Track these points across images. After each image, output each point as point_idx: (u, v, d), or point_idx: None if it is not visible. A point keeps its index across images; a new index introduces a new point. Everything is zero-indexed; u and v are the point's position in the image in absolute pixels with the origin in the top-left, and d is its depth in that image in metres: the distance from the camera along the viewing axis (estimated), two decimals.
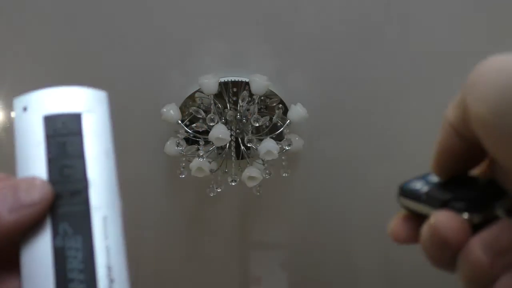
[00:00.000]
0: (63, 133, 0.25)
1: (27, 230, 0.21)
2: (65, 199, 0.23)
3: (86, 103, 0.26)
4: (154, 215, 2.31)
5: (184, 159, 1.74)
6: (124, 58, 1.62)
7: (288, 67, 1.66)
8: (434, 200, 0.27)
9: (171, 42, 1.58)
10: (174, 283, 2.70)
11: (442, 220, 0.24)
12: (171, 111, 1.64)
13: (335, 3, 1.47)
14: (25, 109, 0.25)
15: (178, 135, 1.69)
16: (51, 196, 0.22)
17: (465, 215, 0.25)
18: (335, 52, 1.62)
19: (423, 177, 0.31)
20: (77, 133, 0.25)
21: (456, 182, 0.28)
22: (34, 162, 0.24)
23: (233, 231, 2.46)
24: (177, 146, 1.68)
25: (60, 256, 0.21)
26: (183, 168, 1.73)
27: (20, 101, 0.25)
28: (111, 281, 0.21)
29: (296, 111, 1.64)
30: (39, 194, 0.21)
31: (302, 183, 2.14)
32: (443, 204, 0.26)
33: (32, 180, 0.22)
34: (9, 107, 1.74)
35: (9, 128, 1.81)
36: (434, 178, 0.31)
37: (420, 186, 0.30)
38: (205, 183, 1.83)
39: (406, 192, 0.31)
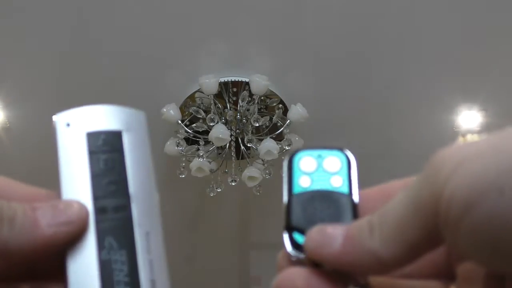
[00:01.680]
0: (105, 150, 0.25)
1: (69, 244, 0.22)
2: (109, 214, 0.23)
3: (126, 122, 0.27)
4: None
5: (184, 159, 1.74)
6: (124, 58, 1.62)
7: (288, 67, 1.66)
8: (285, 215, 0.25)
9: (171, 42, 1.58)
10: (174, 283, 2.69)
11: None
12: (171, 111, 1.64)
13: (335, 4, 1.47)
14: (68, 125, 0.26)
15: (178, 135, 1.69)
16: (86, 216, 0.23)
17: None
18: (335, 53, 1.62)
19: (321, 155, 0.26)
20: (119, 150, 0.25)
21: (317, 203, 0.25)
22: (79, 177, 0.24)
23: (233, 231, 2.47)
24: (177, 146, 1.68)
25: (106, 269, 0.22)
26: (183, 168, 1.73)
27: (62, 117, 0.26)
28: None
29: (296, 111, 1.64)
30: (76, 213, 0.23)
31: None
32: (286, 228, 0.25)
33: (70, 202, 0.23)
34: (8, 107, 1.74)
35: (9, 128, 1.81)
36: (331, 165, 0.26)
37: (307, 169, 0.26)
38: (205, 183, 1.83)
39: (290, 167, 0.27)
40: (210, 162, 1.69)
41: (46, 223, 0.22)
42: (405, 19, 1.51)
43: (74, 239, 0.22)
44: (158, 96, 1.72)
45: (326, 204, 0.25)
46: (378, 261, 0.20)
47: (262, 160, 1.70)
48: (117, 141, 0.25)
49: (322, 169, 0.26)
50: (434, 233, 0.19)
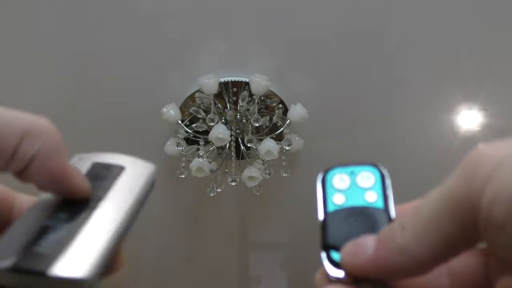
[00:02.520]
0: (100, 176, 0.28)
1: (29, 208, 0.25)
2: (67, 213, 0.25)
3: (133, 164, 0.30)
4: (154, 215, 2.31)
5: (184, 159, 1.74)
6: (124, 58, 1.62)
7: (288, 67, 1.66)
8: (322, 231, 0.25)
9: (171, 42, 1.58)
10: (174, 283, 2.70)
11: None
12: (171, 111, 1.64)
13: (335, 4, 1.47)
14: (80, 158, 0.30)
15: (178, 135, 1.69)
16: (89, 193, 0.26)
17: None
18: (335, 53, 1.62)
19: (354, 170, 0.26)
20: (113, 178, 0.28)
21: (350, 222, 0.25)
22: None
23: (233, 231, 2.46)
24: (177, 146, 1.68)
25: (43, 229, 0.24)
26: (183, 168, 1.73)
27: (79, 155, 0.30)
28: (78, 256, 0.23)
29: (296, 111, 1.64)
30: (88, 186, 0.26)
31: (302, 183, 2.14)
32: (323, 247, 0.24)
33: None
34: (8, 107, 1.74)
35: None
36: (364, 180, 0.26)
37: (340, 186, 0.26)
38: (205, 183, 1.83)
39: (323, 185, 0.26)
40: (210, 162, 1.69)
41: (70, 167, 0.26)
42: (405, 19, 1.51)
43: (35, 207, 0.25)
44: (158, 96, 1.72)
45: (362, 220, 0.25)
46: (413, 259, 0.20)
47: (262, 160, 1.70)
48: (116, 172, 0.28)
49: (355, 186, 0.26)
50: (470, 230, 0.19)
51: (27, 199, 0.27)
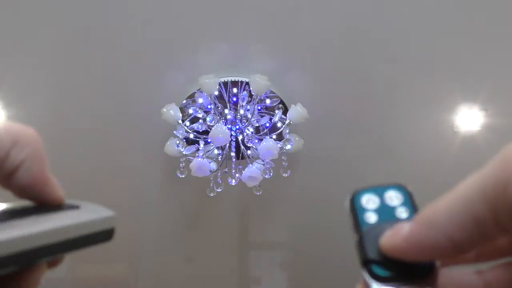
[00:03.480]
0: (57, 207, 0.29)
1: None
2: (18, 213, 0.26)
3: (88, 206, 0.29)
4: (154, 215, 2.31)
5: (184, 159, 1.74)
6: (125, 59, 1.62)
7: (288, 67, 1.66)
8: (360, 248, 0.25)
9: (171, 42, 1.58)
10: (174, 283, 2.70)
11: None
12: (171, 111, 1.64)
13: (335, 5, 1.46)
14: None
15: (178, 135, 1.69)
16: (62, 199, 0.28)
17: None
18: (335, 53, 1.62)
19: (381, 191, 0.27)
20: (64, 207, 0.28)
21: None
22: None
23: (233, 231, 2.46)
24: (177, 146, 1.68)
25: None
26: (183, 168, 1.73)
27: None
28: None
29: (296, 111, 1.64)
30: (62, 192, 0.29)
31: (302, 183, 2.14)
32: (363, 261, 0.24)
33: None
34: (8, 107, 1.74)
35: None
36: (393, 199, 0.27)
37: (370, 206, 0.27)
38: (205, 183, 1.83)
39: (353, 207, 0.27)
40: (210, 162, 1.69)
41: (50, 174, 0.27)
42: (405, 19, 1.51)
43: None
44: (158, 96, 1.72)
45: None
46: (446, 237, 0.21)
47: (262, 160, 1.70)
48: (71, 206, 0.28)
49: (385, 204, 0.27)
50: (502, 216, 0.20)
51: None
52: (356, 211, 0.27)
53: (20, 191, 0.26)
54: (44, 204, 0.27)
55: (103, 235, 0.28)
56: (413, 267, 0.23)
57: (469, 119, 1.79)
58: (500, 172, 0.20)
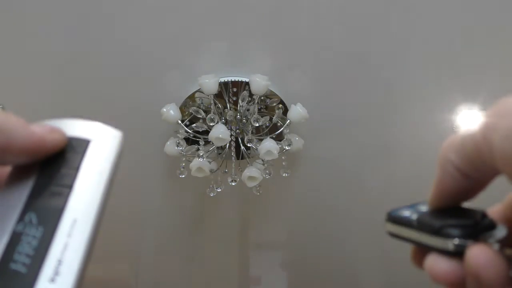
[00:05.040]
0: (69, 149, 0.27)
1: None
2: (44, 196, 0.24)
3: (98, 135, 0.28)
4: (154, 215, 2.31)
5: (184, 159, 1.74)
6: (124, 58, 1.62)
7: (288, 67, 1.66)
8: (425, 226, 0.27)
9: (171, 42, 1.58)
10: (174, 283, 2.70)
11: (479, 257, 0.24)
12: (171, 111, 1.64)
13: (335, 4, 1.46)
14: None
15: (178, 135, 1.69)
16: (66, 139, 0.27)
17: (459, 241, 0.25)
18: (335, 53, 1.62)
19: (412, 206, 0.30)
20: (81, 152, 0.27)
21: (447, 211, 0.28)
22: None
23: (233, 231, 2.46)
24: (177, 146, 1.68)
25: (15, 239, 0.23)
26: (183, 168, 1.73)
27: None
28: (56, 273, 0.22)
29: (296, 111, 1.64)
30: (61, 131, 0.27)
31: (302, 183, 2.14)
32: (435, 230, 0.27)
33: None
34: (8, 107, 1.74)
35: None
36: (424, 208, 0.30)
37: (409, 213, 0.29)
38: (205, 183, 1.83)
39: (394, 218, 0.30)
40: (210, 162, 1.69)
41: (36, 127, 0.25)
42: (405, 19, 1.51)
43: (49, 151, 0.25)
44: (158, 96, 1.72)
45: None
46: (452, 164, 0.27)
47: (262, 160, 1.70)
48: (83, 147, 0.27)
49: (418, 209, 0.30)
50: (484, 156, 0.24)
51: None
52: (399, 219, 0.30)
53: (20, 163, 0.25)
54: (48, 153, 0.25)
55: (121, 157, 0.28)
56: (476, 223, 0.27)
57: (469, 119, 1.79)
58: (485, 118, 0.24)
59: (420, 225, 0.28)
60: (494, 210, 0.30)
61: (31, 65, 1.63)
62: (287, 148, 1.66)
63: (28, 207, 0.24)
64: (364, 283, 2.65)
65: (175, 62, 1.63)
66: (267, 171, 1.71)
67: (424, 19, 1.51)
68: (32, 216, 0.24)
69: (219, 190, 1.78)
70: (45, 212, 0.24)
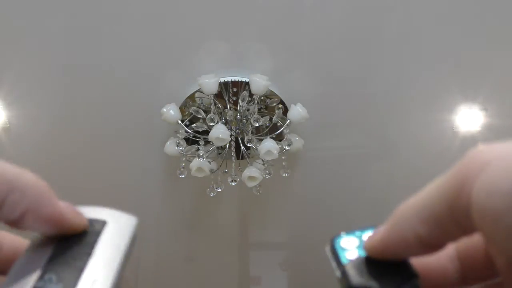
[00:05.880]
0: (88, 228, 0.28)
1: (15, 266, 0.25)
2: (66, 257, 0.26)
3: (114, 217, 0.29)
4: (154, 215, 2.31)
5: (184, 159, 1.74)
6: (124, 58, 1.62)
7: (288, 67, 1.66)
8: (345, 278, 0.26)
9: (171, 42, 1.58)
10: (174, 283, 2.70)
11: None
12: (171, 111, 1.64)
13: (335, 4, 1.46)
14: None
15: (178, 135, 1.69)
16: (87, 224, 0.27)
17: None
18: (335, 52, 1.62)
19: (361, 233, 0.29)
20: (99, 229, 0.28)
21: (380, 264, 0.26)
22: None
23: (233, 231, 2.46)
24: (177, 146, 1.68)
25: None
26: (183, 168, 1.73)
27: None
28: None
29: (296, 111, 1.64)
30: (83, 216, 0.27)
31: (302, 183, 2.14)
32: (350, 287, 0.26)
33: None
34: (8, 107, 1.74)
35: (9, 128, 1.81)
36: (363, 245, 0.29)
37: (349, 246, 0.28)
38: (205, 183, 1.83)
39: (333, 249, 0.28)
40: (210, 162, 1.69)
41: (63, 205, 0.26)
42: (405, 19, 1.51)
43: (22, 263, 0.25)
44: (158, 96, 1.72)
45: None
46: (415, 235, 0.23)
47: (262, 160, 1.70)
48: (99, 226, 0.28)
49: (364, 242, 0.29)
50: (461, 218, 0.21)
51: (10, 238, 0.28)
52: (336, 253, 0.28)
53: (38, 232, 0.26)
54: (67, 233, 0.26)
55: (135, 241, 0.30)
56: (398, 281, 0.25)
57: (469, 119, 1.79)
58: (458, 173, 0.21)
59: (342, 274, 0.27)
60: (442, 255, 0.26)
61: (30, 64, 1.63)
62: (287, 148, 1.66)
63: (47, 269, 0.25)
64: None
65: (175, 62, 1.63)
66: (267, 171, 1.70)
67: (424, 20, 1.51)
68: (51, 276, 0.24)
69: (219, 190, 1.78)
70: (64, 273, 0.25)
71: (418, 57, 1.63)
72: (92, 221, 0.28)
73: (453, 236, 0.22)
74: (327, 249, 0.29)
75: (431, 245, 0.23)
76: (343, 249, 0.28)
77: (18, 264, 0.25)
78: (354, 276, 0.26)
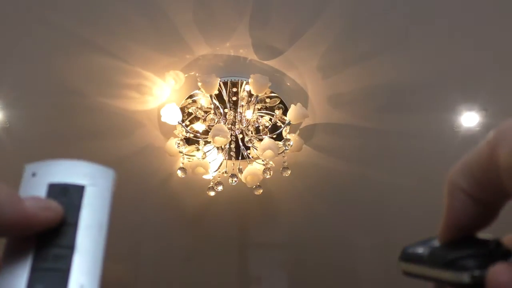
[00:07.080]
0: (63, 201, 0.26)
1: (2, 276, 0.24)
2: (48, 261, 0.24)
3: (92, 178, 0.28)
4: (154, 215, 2.31)
5: (184, 159, 1.74)
6: (124, 58, 1.62)
7: (288, 67, 1.66)
8: (437, 260, 0.27)
9: (171, 42, 1.57)
10: (174, 283, 2.70)
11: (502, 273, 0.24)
12: (171, 111, 1.64)
13: (334, 4, 1.46)
14: (33, 174, 0.27)
15: (178, 135, 1.69)
16: (62, 211, 0.26)
17: (475, 273, 0.24)
18: (335, 52, 1.62)
19: (425, 242, 0.30)
20: (77, 203, 0.26)
21: (459, 242, 0.27)
22: None
23: (233, 231, 2.46)
24: (177, 146, 1.68)
25: None
26: (183, 168, 1.73)
27: (30, 167, 0.27)
28: None
29: (296, 111, 1.64)
30: (54, 205, 0.26)
31: (302, 183, 2.14)
32: (448, 264, 0.26)
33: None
34: (8, 107, 1.74)
35: (9, 128, 1.81)
36: (436, 242, 0.30)
37: (422, 250, 0.29)
38: (205, 183, 1.83)
39: (406, 256, 0.30)
40: (210, 162, 1.69)
41: (28, 203, 0.25)
42: (405, 19, 1.51)
43: (8, 271, 0.24)
44: (158, 96, 1.72)
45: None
46: (461, 188, 0.26)
47: (262, 160, 1.70)
48: (78, 195, 0.26)
49: (430, 244, 0.29)
50: (492, 177, 0.24)
51: None
52: (411, 256, 0.29)
53: (9, 237, 0.25)
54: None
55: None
56: (489, 252, 0.26)
57: (469, 119, 1.79)
58: (491, 139, 0.24)
59: (432, 260, 0.27)
60: (509, 238, 0.28)
61: (30, 65, 1.63)
62: (287, 148, 1.66)
63: (34, 276, 0.24)
64: (364, 283, 2.65)
65: (175, 62, 1.63)
66: (267, 171, 1.70)
67: (424, 19, 1.51)
68: (39, 287, 0.24)
69: (219, 190, 1.78)
70: (51, 280, 0.24)
71: (418, 57, 1.63)
72: (69, 189, 0.26)
73: (492, 195, 0.25)
74: (398, 260, 0.30)
75: (480, 201, 0.26)
76: (417, 252, 0.29)
77: (1, 280, 0.24)
78: (447, 253, 0.26)
